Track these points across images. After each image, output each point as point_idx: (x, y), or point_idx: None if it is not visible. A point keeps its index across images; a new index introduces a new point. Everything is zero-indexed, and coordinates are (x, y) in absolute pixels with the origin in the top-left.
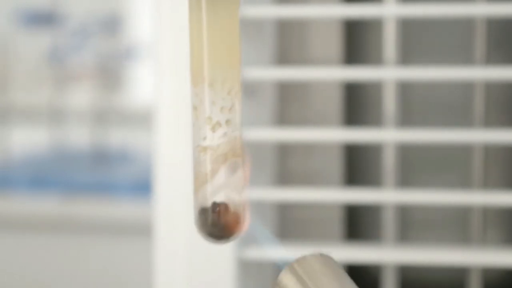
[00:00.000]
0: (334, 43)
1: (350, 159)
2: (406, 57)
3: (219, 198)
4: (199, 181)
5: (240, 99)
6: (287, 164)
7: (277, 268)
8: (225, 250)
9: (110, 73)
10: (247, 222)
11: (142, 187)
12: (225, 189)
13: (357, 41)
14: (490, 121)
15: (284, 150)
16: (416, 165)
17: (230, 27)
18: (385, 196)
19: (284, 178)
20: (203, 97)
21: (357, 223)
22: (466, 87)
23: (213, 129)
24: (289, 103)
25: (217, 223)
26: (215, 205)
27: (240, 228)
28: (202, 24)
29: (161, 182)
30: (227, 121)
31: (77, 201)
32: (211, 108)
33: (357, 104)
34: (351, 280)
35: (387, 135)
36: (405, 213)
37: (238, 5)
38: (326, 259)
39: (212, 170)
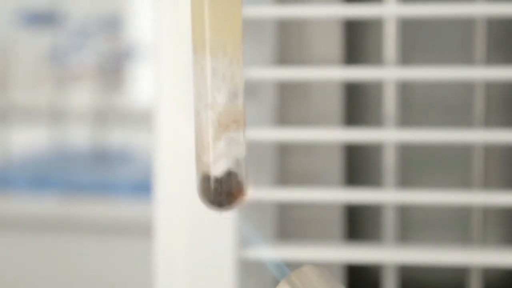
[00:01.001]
0: (334, 43)
1: (350, 159)
2: (406, 57)
3: (222, 165)
4: (201, 148)
5: (242, 68)
6: (287, 164)
7: (276, 276)
8: (225, 250)
9: (110, 73)
10: (250, 191)
11: (142, 187)
12: (227, 157)
13: (357, 41)
14: (490, 121)
15: (284, 150)
16: (416, 165)
17: None
18: (385, 196)
19: (284, 178)
20: (204, 64)
21: (357, 223)
22: (466, 87)
23: (214, 97)
24: (289, 103)
25: (220, 191)
26: (216, 177)
27: (242, 196)
28: None
29: (161, 182)
30: (229, 89)
31: (77, 201)
32: (212, 75)
33: (357, 104)
34: None
35: (387, 135)
36: (405, 213)
37: None
38: (322, 272)
39: (214, 137)
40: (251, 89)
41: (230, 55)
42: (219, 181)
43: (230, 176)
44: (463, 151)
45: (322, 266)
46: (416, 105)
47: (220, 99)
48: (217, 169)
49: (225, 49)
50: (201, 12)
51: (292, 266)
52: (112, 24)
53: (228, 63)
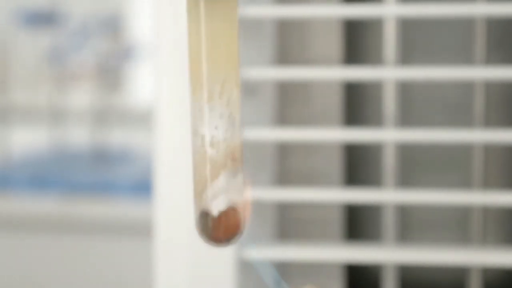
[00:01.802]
0: (334, 43)
1: (350, 159)
2: (406, 57)
3: (219, 202)
4: (199, 185)
5: (239, 106)
6: (287, 164)
7: None
8: (225, 250)
9: (110, 73)
10: (247, 225)
11: (142, 187)
12: (225, 193)
13: (357, 41)
14: (490, 121)
15: (284, 150)
16: (416, 165)
17: (228, 34)
18: (385, 196)
19: (284, 178)
20: (201, 103)
21: (357, 223)
22: (466, 87)
23: (212, 135)
24: (289, 103)
25: (218, 228)
26: (215, 213)
27: (240, 232)
28: (201, 33)
29: (161, 182)
30: (226, 128)
31: (77, 201)
32: (210, 114)
33: (357, 104)
34: None
35: (387, 135)
36: (405, 213)
37: (236, 11)
38: None
39: (212, 174)
40: (251, 89)
41: (227, 94)
42: (217, 218)
43: (228, 213)
44: (463, 151)
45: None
46: (416, 105)
47: (217, 138)
48: (215, 207)
49: (223, 89)
50: (198, 51)
51: (293, 267)
52: (112, 24)
53: (225, 103)
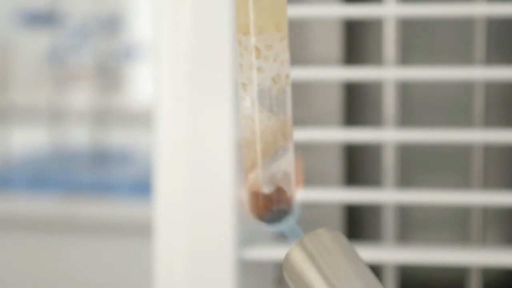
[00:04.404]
0: (334, 43)
1: (350, 159)
2: (406, 57)
3: (270, 181)
4: (249, 163)
5: (290, 79)
6: None
7: (287, 240)
8: (225, 250)
9: (110, 73)
10: (296, 205)
11: (142, 187)
12: (276, 171)
13: (357, 41)
14: (490, 121)
15: None
16: (416, 165)
17: None
18: (385, 196)
19: None
20: (251, 82)
21: (357, 223)
22: (466, 87)
23: (262, 111)
24: None
25: (269, 207)
26: (266, 192)
27: (291, 211)
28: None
29: (161, 182)
30: (277, 102)
31: (77, 201)
32: (259, 94)
33: (357, 104)
34: (361, 258)
35: (387, 135)
36: (405, 213)
37: None
38: (336, 236)
39: (262, 153)
40: None
41: (278, 65)
42: (268, 197)
43: (279, 191)
44: (463, 151)
45: (338, 232)
46: (416, 105)
47: (267, 112)
48: (266, 185)
49: (276, 78)
50: (246, 12)
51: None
52: (112, 24)
53: (274, 79)
